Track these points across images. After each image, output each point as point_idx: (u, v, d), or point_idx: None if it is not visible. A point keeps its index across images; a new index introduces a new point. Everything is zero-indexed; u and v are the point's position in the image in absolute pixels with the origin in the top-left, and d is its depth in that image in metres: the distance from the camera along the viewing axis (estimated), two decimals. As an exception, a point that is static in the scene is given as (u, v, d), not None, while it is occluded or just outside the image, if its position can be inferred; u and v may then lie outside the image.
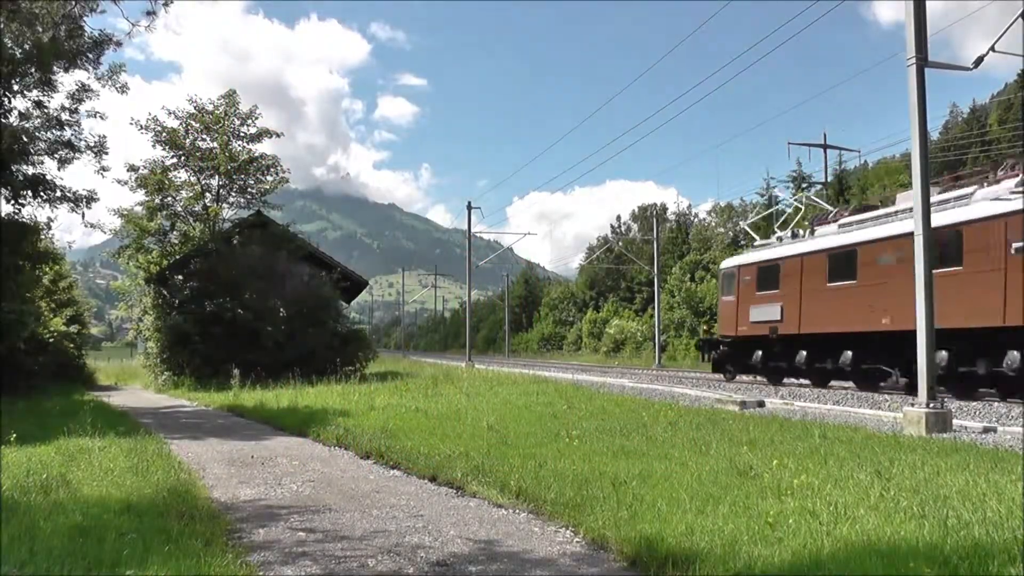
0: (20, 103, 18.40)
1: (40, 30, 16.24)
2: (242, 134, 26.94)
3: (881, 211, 17.97)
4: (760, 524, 4.58)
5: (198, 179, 26.82)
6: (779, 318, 19.31)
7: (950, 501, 5.15)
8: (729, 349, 21.98)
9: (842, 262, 17.48)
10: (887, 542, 4.19)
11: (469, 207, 40.29)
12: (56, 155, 19.09)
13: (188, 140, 26.23)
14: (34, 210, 19.06)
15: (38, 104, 18.67)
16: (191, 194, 26.75)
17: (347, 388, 18.46)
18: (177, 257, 26.44)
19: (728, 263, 22.37)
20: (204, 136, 26.45)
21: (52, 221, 20.34)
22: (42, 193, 18.72)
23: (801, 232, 20.61)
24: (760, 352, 20.35)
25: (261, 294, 24.99)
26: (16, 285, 18.89)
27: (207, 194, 26.91)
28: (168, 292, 25.75)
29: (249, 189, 27.28)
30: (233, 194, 27.38)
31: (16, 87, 18.01)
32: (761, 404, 13.53)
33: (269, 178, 27.36)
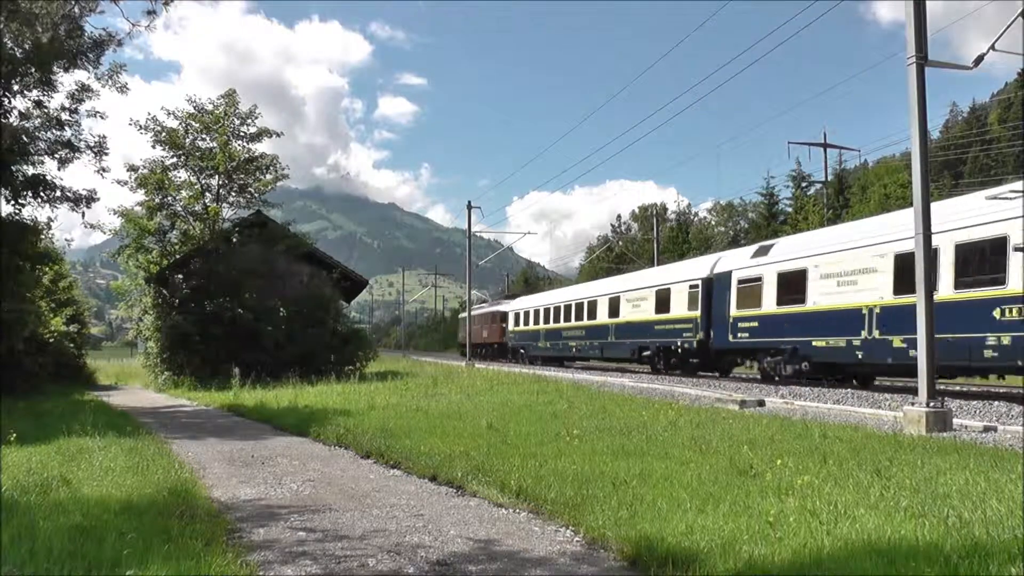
0: (20, 103, 18.42)
1: (40, 30, 16.23)
2: (242, 134, 26.92)
3: (488, 305, 51.57)
4: (760, 523, 4.58)
5: (198, 179, 26.81)
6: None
7: (950, 500, 5.16)
8: (478, 348, 46.59)
9: (477, 319, 46.42)
10: (887, 541, 4.19)
11: (469, 206, 40.25)
12: (56, 155, 19.07)
13: (188, 140, 26.22)
14: (34, 210, 19.08)
15: (38, 104, 18.66)
16: (191, 194, 26.74)
17: (347, 387, 18.48)
18: (177, 257, 26.43)
19: (484, 310, 49.56)
20: (204, 136, 26.44)
21: (52, 221, 20.37)
22: (42, 193, 18.70)
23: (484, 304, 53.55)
24: (469, 347, 42.66)
25: (261, 294, 24.99)
26: (16, 285, 18.87)
27: (207, 194, 26.90)
28: (168, 292, 25.75)
29: (248, 188, 27.27)
30: (233, 194, 27.36)
31: (16, 87, 17.99)
32: (761, 403, 13.54)
33: (268, 176, 27.36)
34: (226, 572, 4.10)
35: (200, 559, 4.20)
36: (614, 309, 27.83)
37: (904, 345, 14.87)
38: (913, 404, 10.16)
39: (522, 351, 38.21)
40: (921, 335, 10.15)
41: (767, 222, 47.84)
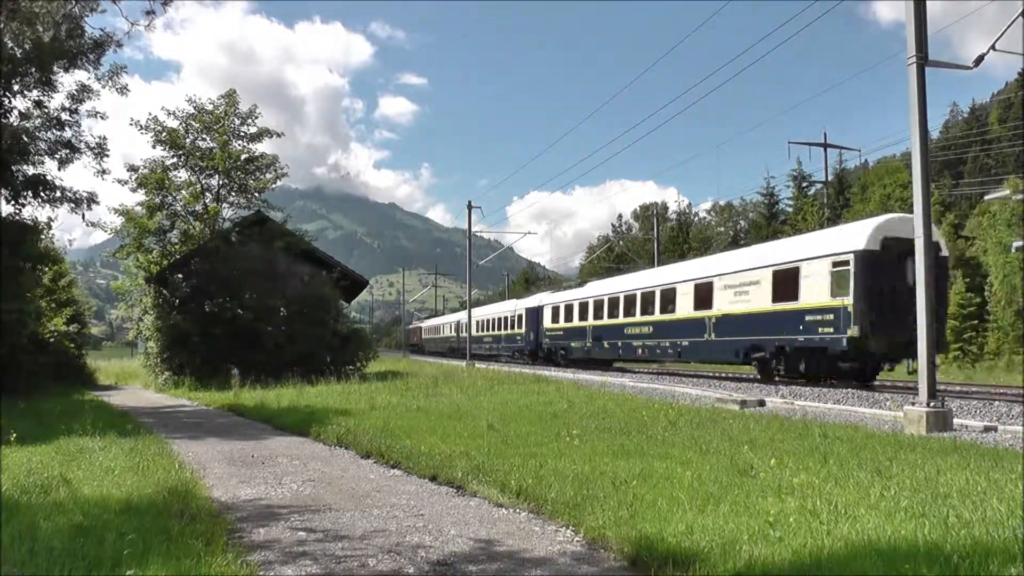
0: (20, 103, 18.41)
1: (40, 30, 16.21)
2: (242, 134, 26.91)
3: (415, 323, 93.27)
4: (760, 523, 4.58)
5: (198, 179, 26.80)
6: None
7: (950, 500, 5.16)
8: (412, 347, 79.89)
9: (411, 331, 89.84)
10: (887, 541, 4.19)
11: (469, 206, 40.28)
12: (56, 155, 19.06)
13: (188, 140, 26.21)
14: (34, 210, 19.07)
15: (38, 104, 18.65)
16: (191, 194, 26.74)
17: (347, 387, 18.47)
18: (177, 257, 26.42)
19: (413, 325, 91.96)
20: (204, 136, 26.43)
21: (52, 221, 20.35)
22: (42, 193, 18.69)
23: (423, 319, 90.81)
24: (415, 346, 75.57)
25: (261, 294, 24.96)
26: (17, 285, 18.86)
27: (207, 194, 26.90)
28: (168, 292, 25.74)
29: (248, 188, 27.25)
30: (233, 194, 27.35)
31: (16, 87, 17.98)
32: (761, 403, 13.54)
33: (268, 176, 27.35)
34: (226, 572, 4.10)
35: (200, 559, 4.20)
36: (456, 328, 54.71)
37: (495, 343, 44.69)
38: (913, 404, 10.16)
39: (428, 347, 69.91)
40: (921, 335, 10.15)
41: (767, 222, 47.83)
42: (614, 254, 64.68)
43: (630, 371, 28.46)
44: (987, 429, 9.90)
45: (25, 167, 18.54)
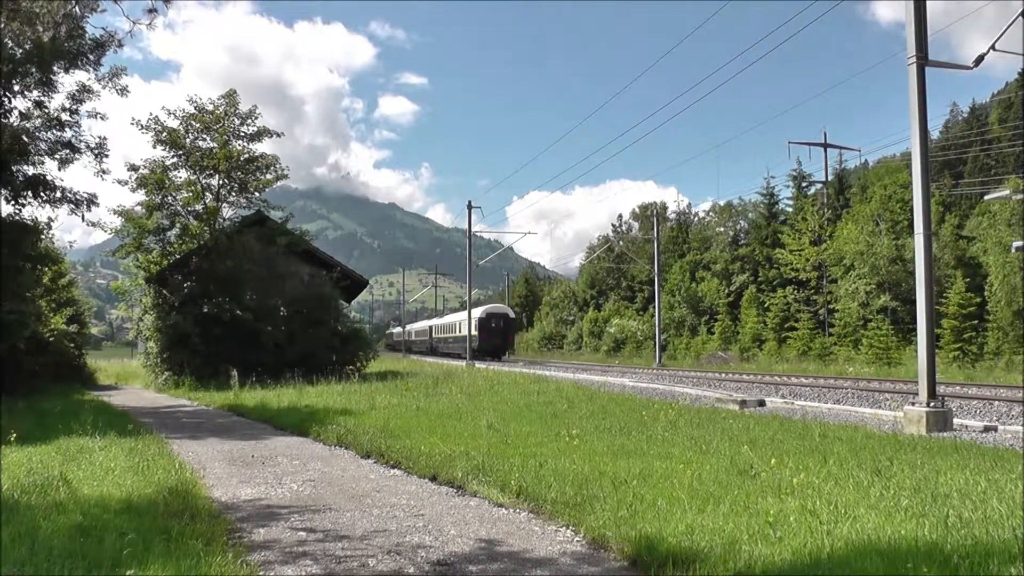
0: (20, 103, 18.39)
1: (40, 30, 16.19)
2: (242, 134, 26.89)
3: (423, 322, 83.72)
4: (760, 523, 4.58)
5: (198, 178, 26.77)
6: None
7: (950, 500, 5.16)
8: (404, 346, 76.41)
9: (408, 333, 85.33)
10: (887, 541, 4.19)
11: (469, 206, 40.28)
12: (56, 155, 19.04)
13: (188, 140, 26.18)
14: (34, 211, 19.05)
15: (38, 104, 18.63)
16: (191, 193, 26.72)
17: (347, 387, 18.47)
18: (177, 256, 26.42)
19: (407, 328, 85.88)
20: (204, 136, 26.41)
21: (52, 221, 20.32)
22: (42, 194, 18.68)
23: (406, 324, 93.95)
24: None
25: (261, 294, 24.94)
26: (17, 285, 18.84)
27: (207, 193, 26.88)
28: (168, 292, 25.72)
29: (248, 187, 27.22)
30: (233, 194, 27.33)
31: (16, 87, 17.97)
32: (761, 403, 13.55)
33: (268, 176, 27.34)
34: (226, 572, 4.10)
35: (200, 559, 4.21)
36: (406, 334, 78.53)
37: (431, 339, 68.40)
38: (913, 404, 10.16)
39: (394, 347, 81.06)
40: (921, 335, 10.15)
41: (767, 222, 47.77)
42: (614, 254, 64.61)
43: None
44: (987, 429, 9.90)
45: (25, 167, 18.52)
